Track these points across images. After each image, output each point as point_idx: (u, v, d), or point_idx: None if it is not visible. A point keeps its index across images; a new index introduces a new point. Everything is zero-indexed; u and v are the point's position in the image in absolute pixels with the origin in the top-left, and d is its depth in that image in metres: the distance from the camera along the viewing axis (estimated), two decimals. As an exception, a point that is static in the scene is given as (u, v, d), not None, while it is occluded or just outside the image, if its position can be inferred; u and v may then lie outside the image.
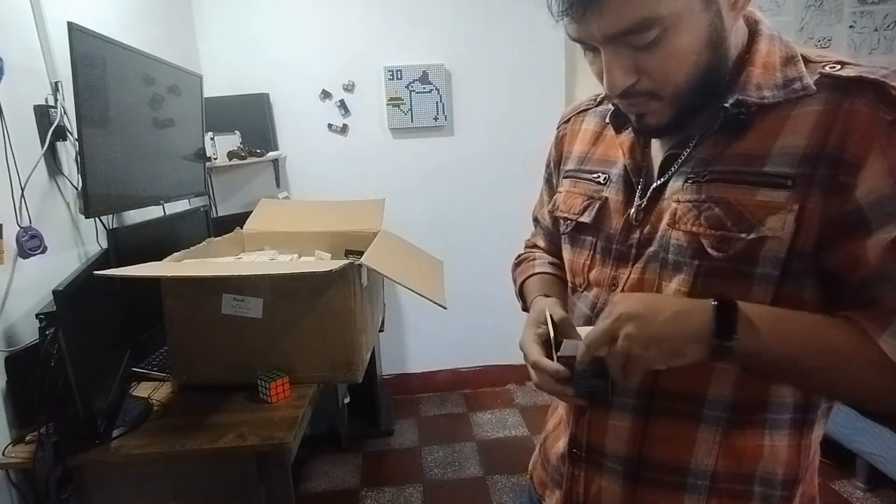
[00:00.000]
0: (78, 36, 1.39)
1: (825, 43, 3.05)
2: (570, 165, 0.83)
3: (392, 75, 2.86)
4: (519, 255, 1.03)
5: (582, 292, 0.78)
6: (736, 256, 0.60)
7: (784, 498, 0.68)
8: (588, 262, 0.76)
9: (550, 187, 0.90)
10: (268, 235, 2.03)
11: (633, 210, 0.70)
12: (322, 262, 1.82)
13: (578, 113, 0.86)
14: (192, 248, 1.65)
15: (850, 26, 3.05)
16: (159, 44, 2.23)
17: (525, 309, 0.90)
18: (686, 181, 0.64)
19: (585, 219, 0.76)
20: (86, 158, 1.44)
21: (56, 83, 1.58)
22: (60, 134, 1.57)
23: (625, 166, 0.73)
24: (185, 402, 1.45)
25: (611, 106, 0.76)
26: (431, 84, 2.88)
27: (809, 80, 0.60)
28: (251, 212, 2.15)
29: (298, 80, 2.86)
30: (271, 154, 2.77)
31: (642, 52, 0.59)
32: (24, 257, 1.41)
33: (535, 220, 1.01)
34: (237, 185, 2.92)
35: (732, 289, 0.61)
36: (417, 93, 2.89)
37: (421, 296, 1.44)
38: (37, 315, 1.19)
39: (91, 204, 1.48)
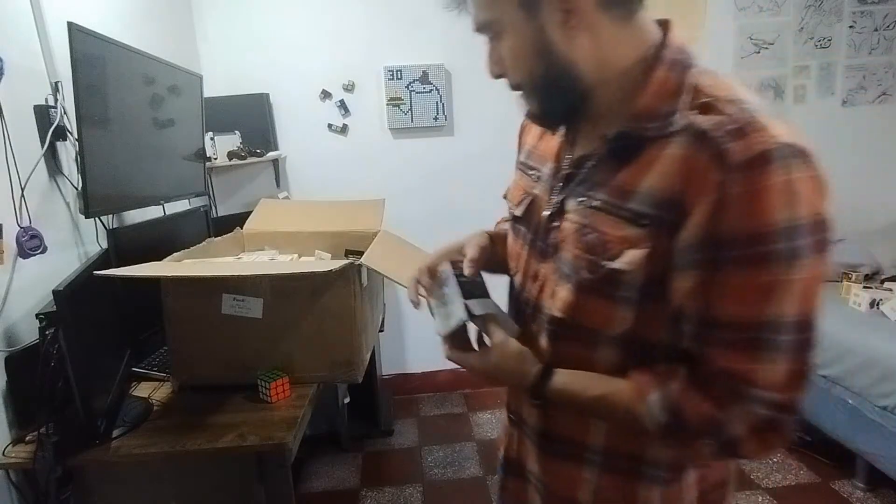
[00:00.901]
0: (78, 36, 1.39)
1: (825, 43, 3.05)
2: (521, 157, 0.89)
3: (392, 75, 2.86)
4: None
5: (512, 276, 0.85)
6: (602, 280, 0.66)
7: (670, 479, 0.74)
8: (520, 251, 0.82)
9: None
10: (268, 235, 2.03)
11: (547, 212, 0.76)
12: (322, 262, 1.82)
13: None
14: (192, 248, 1.66)
15: (850, 26, 3.05)
16: (159, 44, 2.23)
17: None
18: (578, 203, 0.70)
19: (518, 212, 0.83)
20: (86, 158, 1.44)
21: (56, 83, 1.58)
22: (60, 134, 1.57)
23: (551, 167, 0.78)
24: (185, 402, 1.45)
25: None
26: (431, 84, 2.88)
27: (681, 120, 0.62)
28: (251, 212, 2.15)
29: (298, 80, 2.86)
30: (271, 154, 2.77)
31: (496, 43, 0.70)
32: (24, 257, 1.41)
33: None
34: (237, 185, 2.92)
35: (599, 304, 0.68)
36: (417, 93, 2.88)
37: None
38: (37, 315, 1.19)
39: (91, 204, 1.48)
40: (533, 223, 0.79)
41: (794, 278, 0.57)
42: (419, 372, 3.16)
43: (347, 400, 2.64)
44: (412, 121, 2.91)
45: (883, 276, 2.75)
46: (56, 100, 1.57)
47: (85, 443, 1.23)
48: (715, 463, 0.77)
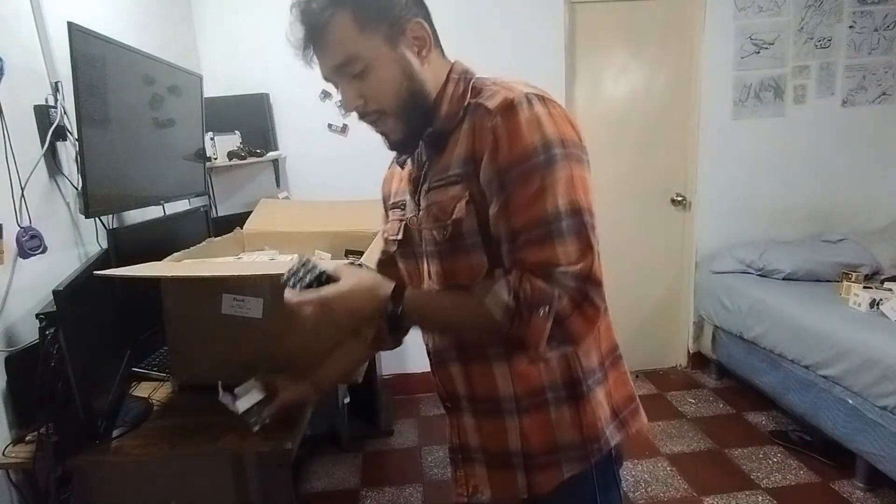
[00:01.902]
0: (78, 36, 1.39)
1: (825, 43, 3.05)
2: (391, 200, 1.06)
3: (392, 75, 2.85)
4: None
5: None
6: (451, 237, 0.85)
7: (571, 396, 0.89)
8: (415, 267, 0.98)
9: (385, 218, 1.11)
10: (268, 235, 2.03)
11: (411, 215, 0.95)
12: (322, 262, 1.82)
13: (392, 163, 1.11)
14: (192, 248, 1.65)
15: (850, 26, 3.05)
16: (159, 44, 2.23)
17: None
18: (425, 193, 0.90)
19: (399, 237, 1.00)
20: (86, 158, 1.44)
21: (56, 83, 1.58)
22: (60, 134, 1.57)
23: (407, 192, 0.96)
24: (185, 402, 1.45)
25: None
26: (431, 84, 2.87)
27: (463, 107, 0.85)
28: (251, 212, 2.15)
29: (298, 80, 2.82)
30: (271, 154, 2.77)
31: (360, 80, 0.83)
32: (24, 257, 1.41)
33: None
34: (237, 185, 2.92)
35: (460, 259, 0.86)
36: (417, 93, 2.88)
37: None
38: (37, 315, 1.19)
39: (91, 204, 1.48)
40: (410, 239, 0.97)
41: (556, 178, 0.77)
42: (419, 372, 3.16)
43: (347, 400, 2.64)
44: (412, 121, 2.90)
45: (883, 276, 2.76)
46: (56, 100, 1.58)
47: (85, 443, 1.23)
48: (615, 378, 0.94)
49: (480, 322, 0.81)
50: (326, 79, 0.87)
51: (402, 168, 1.00)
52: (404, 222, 0.98)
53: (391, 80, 0.83)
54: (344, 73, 0.83)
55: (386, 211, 1.10)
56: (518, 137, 0.77)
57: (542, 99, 0.80)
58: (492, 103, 0.80)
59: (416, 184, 0.93)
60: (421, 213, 0.91)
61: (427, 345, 1.01)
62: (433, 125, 0.87)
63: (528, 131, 0.77)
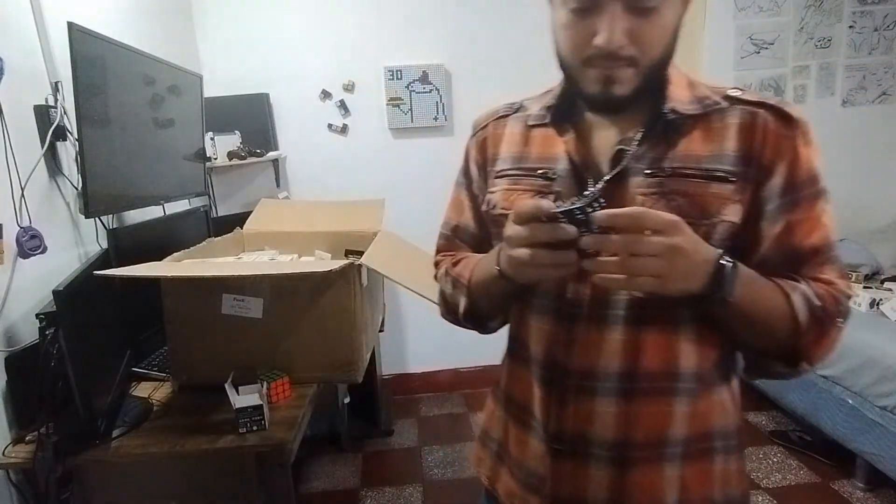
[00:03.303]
0: (78, 36, 1.39)
1: (825, 43, 3.05)
2: (503, 165, 0.86)
3: (392, 75, 2.85)
4: (438, 262, 0.98)
5: (541, 290, 0.79)
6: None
7: (738, 446, 0.80)
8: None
9: (472, 193, 0.93)
10: (268, 235, 2.03)
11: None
12: (322, 262, 1.82)
13: (497, 118, 0.91)
14: (192, 248, 1.66)
15: (850, 26, 3.05)
16: (159, 44, 2.22)
17: (471, 305, 0.88)
18: (646, 176, 0.74)
19: None
20: (86, 158, 1.44)
21: (56, 83, 1.58)
22: (60, 134, 1.57)
23: (571, 161, 0.78)
24: (185, 402, 1.45)
25: (531, 112, 0.85)
26: (431, 84, 2.87)
27: (718, 98, 0.76)
28: (251, 212, 2.16)
29: (298, 80, 2.86)
30: (271, 154, 2.77)
31: (641, 18, 0.68)
32: (24, 257, 1.41)
33: (454, 230, 0.97)
34: (237, 185, 2.92)
35: None
36: (417, 93, 2.88)
37: (421, 296, 1.44)
38: (37, 315, 1.19)
39: (91, 204, 1.48)
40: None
41: (828, 207, 0.75)
42: (419, 372, 3.16)
43: (347, 400, 2.64)
44: (412, 121, 2.90)
45: (883, 276, 2.76)
46: (56, 100, 1.57)
47: (85, 443, 1.23)
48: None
49: (780, 318, 0.71)
50: None
51: (560, 132, 0.80)
52: (551, 196, 0.78)
53: (668, 31, 0.71)
54: (632, 2, 0.67)
55: (481, 180, 0.90)
56: (813, 158, 0.75)
57: None
58: (794, 112, 0.74)
59: (616, 158, 0.75)
60: (644, 197, 0.72)
61: (555, 368, 0.79)
62: (665, 102, 0.74)
63: (817, 154, 0.75)
